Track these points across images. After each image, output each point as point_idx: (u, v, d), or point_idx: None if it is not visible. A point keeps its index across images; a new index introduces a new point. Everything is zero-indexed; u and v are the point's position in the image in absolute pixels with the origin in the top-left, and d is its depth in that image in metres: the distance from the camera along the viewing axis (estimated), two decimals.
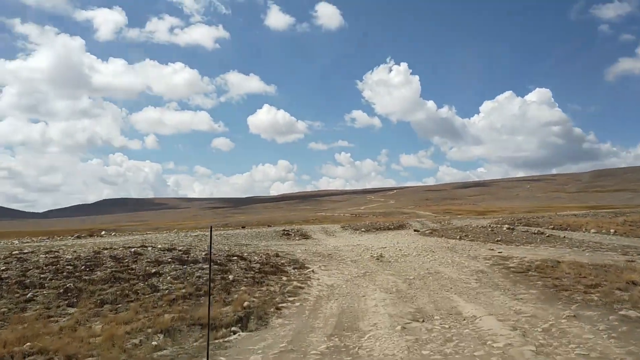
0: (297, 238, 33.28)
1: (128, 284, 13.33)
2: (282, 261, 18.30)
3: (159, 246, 18.89)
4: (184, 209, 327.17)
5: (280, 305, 12.40)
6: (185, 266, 15.26)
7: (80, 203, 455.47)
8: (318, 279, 15.80)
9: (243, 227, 46.09)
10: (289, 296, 13.38)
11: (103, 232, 31.63)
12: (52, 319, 10.71)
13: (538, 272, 15.95)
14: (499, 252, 21.61)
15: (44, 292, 12.22)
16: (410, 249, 23.33)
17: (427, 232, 33.94)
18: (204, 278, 14.19)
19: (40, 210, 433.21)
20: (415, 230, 35.94)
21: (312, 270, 17.07)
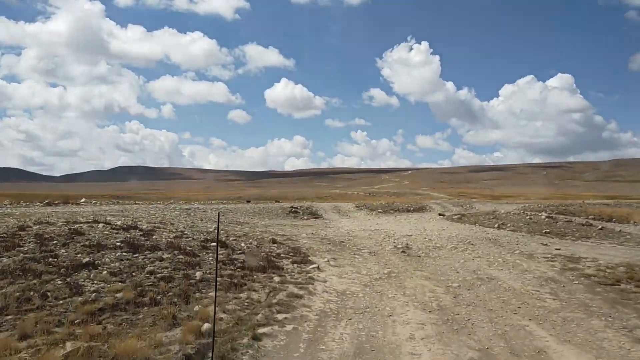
0: (305, 217, 28.66)
1: (39, 279, 8.73)
2: (279, 250, 13.58)
3: (118, 223, 14.27)
4: (198, 179, 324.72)
5: (261, 330, 7.70)
6: (136, 255, 10.61)
7: (97, 169, 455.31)
8: (324, 281, 11.05)
9: (248, 202, 41.56)
10: (279, 311, 8.66)
11: (83, 200, 27.26)
12: None
13: (637, 286, 11.09)
14: (556, 249, 16.69)
15: None
16: (442, 239, 18.48)
17: (454, 217, 29.03)
18: (158, 275, 9.54)
19: (57, 174, 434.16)
20: (440, 215, 31.01)
21: (318, 267, 12.31)
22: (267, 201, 46.05)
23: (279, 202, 42.89)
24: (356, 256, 14.55)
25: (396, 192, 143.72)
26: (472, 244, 17.34)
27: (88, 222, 13.64)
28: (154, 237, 12.50)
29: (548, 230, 21.96)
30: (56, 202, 25.40)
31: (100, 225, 13.17)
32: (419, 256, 14.88)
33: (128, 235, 12.12)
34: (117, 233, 12.33)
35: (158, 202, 34.53)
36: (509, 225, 24.11)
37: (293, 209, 30.47)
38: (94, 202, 27.13)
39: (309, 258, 13.28)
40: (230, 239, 14.16)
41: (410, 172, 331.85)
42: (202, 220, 20.59)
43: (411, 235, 19.33)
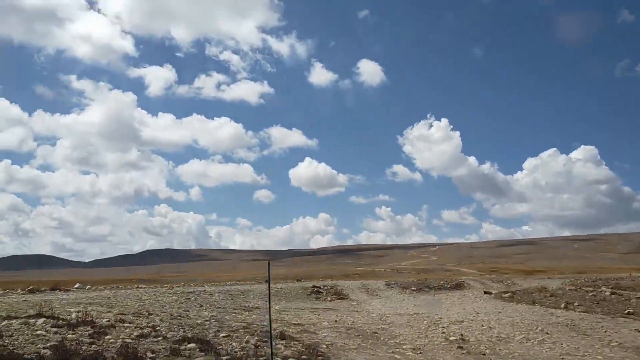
0: (328, 298, 24.42)
1: None
2: (288, 352, 9.48)
3: (72, 316, 10.44)
4: (224, 260, 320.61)
5: None
6: None
7: (126, 253, 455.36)
8: None
9: (266, 282, 37.38)
10: None
11: (76, 285, 23.62)
12: None
13: None
14: None
15: None
16: (505, 326, 14.04)
17: (504, 295, 24.37)
18: None
19: (87, 260, 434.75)
20: (486, 293, 26.31)
21: None
22: (290, 280, 41.83)
23: (300, 281, 38.61)
24: (396, 355, 10.37)
25: (425, 269, 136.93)
26: (547, 333, 12.93)
27: (29, 317, 9.88)
28: (107, 337, 8.62)
29: (631, 311, 17.34)
30: (43, 288, 21.84)
31: (41, 320, 9.39)
32: (483, 354, 10.60)
33: (68, 337, 8.29)
34: (55, 333, 8.51)
35: (165, 285, 30.65)
36: (577, 304, 19.51)
37: (315, 289, 26.23)
38: (88, 287, 23.47)
39: None
40: (222, 334, 10.15)
41: (437, 247, 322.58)
42: (201, 306, 16.63)
43: (463, 322, 14.94)
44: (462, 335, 12.52)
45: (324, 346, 10.49)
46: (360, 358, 9.76)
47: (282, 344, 10.10)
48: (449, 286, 31.86)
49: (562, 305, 18.90)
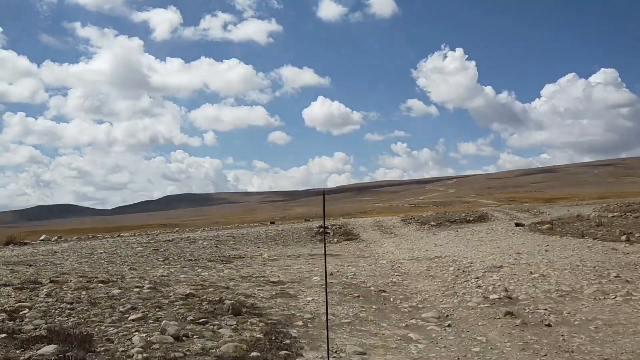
0: (335, 240, 20.78)
1: None
2: (230, 344, 5.69)
3: None
4: (243, 203, 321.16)
5: None
6: None
7: (146, 199, 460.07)
8: None
9: (272, 223, 33.95)
10: None
11: (42, 237, 20.27)
12: None
13: None
14: None
15: None
16: (562, 273, 10.02)
17: (541, 226, 20.30)
18: None
19: (109, 207, 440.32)
20: (517, 225, 22.26)
21: None
22: (297, 221, 38.29)
23: (309, 220, 35.12)
24: (412, 333, 6.58)
25: (443, 202, 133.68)
26: (628, 281, 8.99)
27: None
28: None
29: None
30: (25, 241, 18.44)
31: None
32: (548, 324, 6.74)
33: None
34: None
35: (154, 232, 27.20)
36: (637, 235, 15.53)
37: (320, 230, 22.58)
38: (55, 239, 20.08)
39: (302, 354, 5.43)
40: (132, 315, 6.37)
41: (455, 180, 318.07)
42: (165, 259, 13.02)
43: (502, 267, 10.96)
44: (506, 290, 8.65)
45: (299, 324, 6.67)
46: (352, 343, 5.96)
47: (231, 325, 6.31)
48: (471, 219, 27.95)
49: (623, 238, 14.87)
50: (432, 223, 26.34)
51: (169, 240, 18.37)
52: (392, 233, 23.13)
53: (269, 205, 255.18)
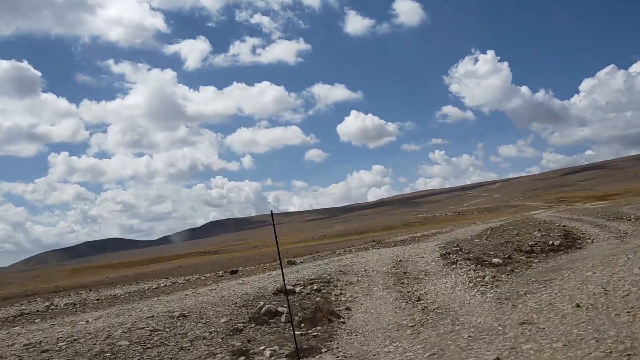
0: (275, 350, 13.92)
1: None
2: None
3: None
4: (283, 223, 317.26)
5: None
6: None
7: (190, 227, 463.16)
8: None
9: (233, 272, 23.98)
10: None
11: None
12: None
13: None
14: None
15: None
16: None
17: None
18: None
19: (154, 238, 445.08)
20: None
21: None
22: (262, 266, 27.10)
23: (294, 263, 22.37)
24: None
25: (489, 207, 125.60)
26: None
27: None
28: None
29: None
30: None
31: None
32: None
33: None
34: None
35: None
36: None
37: (265, 308, 10.31)
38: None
39: None
40: None
41: (498, 184, 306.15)
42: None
43: None
44: None
45: None
46: None
47: None
48: (555, 243, 16.40)
49: None
50: (495, 261, 14.11)
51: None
52: (418, 298, 11.31)
53: (309, 225, 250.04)
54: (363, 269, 15.50)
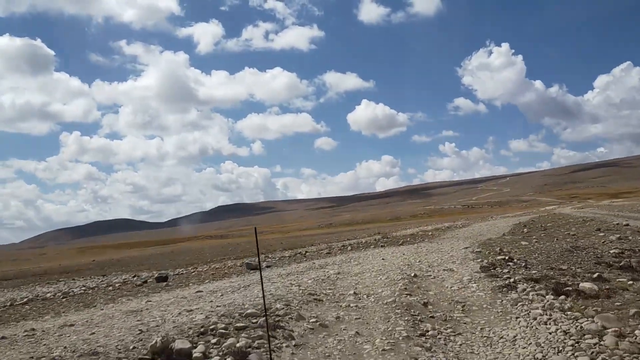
0: None
1: None
2: None
3: None
4: (291, 210, 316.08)
5: None
6: None
7: (199, 211, 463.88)
8: None
9: (163, 280, 15.93)
10: None
11: None
12: None
13: None
14: None
15: None
16: None
17: None
18: None
19: (163, 220, 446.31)
20: None
21: None
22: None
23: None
24: None
25: (498, 202, 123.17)
26: None
27: None
28: None
29: None
30: None
31: None
32: None
33: None
34: None
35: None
36: None
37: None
38: None
39: None
40: None
41: (508, 178, 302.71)
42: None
43: None
44: None
45: None
46: None
47: None
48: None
49: None
50: (584, 287, 7.68)
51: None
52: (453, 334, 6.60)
53: (316, 213, 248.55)
54: (352, 291, 8.91)
